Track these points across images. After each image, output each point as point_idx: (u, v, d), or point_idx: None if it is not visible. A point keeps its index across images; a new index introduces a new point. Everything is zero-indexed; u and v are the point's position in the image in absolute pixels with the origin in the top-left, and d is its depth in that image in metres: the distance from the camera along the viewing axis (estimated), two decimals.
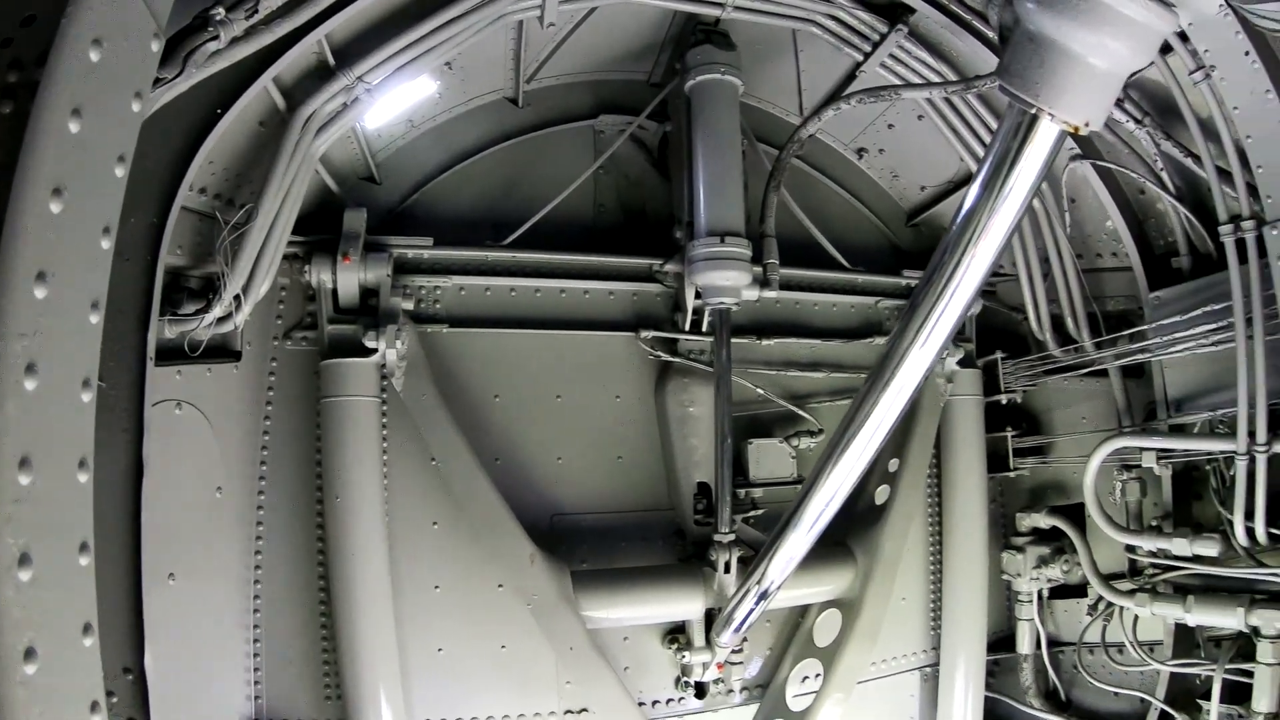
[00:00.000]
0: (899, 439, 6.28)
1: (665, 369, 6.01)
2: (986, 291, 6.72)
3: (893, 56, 5.60)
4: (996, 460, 6.78)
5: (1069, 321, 6.16)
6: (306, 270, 5.13)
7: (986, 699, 6.67)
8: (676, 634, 5.73)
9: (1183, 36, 4.55)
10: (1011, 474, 6.78)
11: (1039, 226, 6.07)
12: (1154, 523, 5.71)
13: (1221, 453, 5.13)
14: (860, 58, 5.67)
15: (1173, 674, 5.75)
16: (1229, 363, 4.97)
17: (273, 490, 5.20)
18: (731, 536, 5.53)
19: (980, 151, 5.89)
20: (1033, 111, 3.06)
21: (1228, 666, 5.22)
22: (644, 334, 5.91)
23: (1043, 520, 6.48)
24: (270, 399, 5.26)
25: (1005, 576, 6.70)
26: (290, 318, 5.37)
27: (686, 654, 5.62)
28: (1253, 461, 4.83)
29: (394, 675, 5.03)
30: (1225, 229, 4.90)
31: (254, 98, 4.00)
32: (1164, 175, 5.38)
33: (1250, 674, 5.08)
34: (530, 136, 6.06)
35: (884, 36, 5.47)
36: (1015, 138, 3.17)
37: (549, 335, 5.79)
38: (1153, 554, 5.58)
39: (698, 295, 5.67)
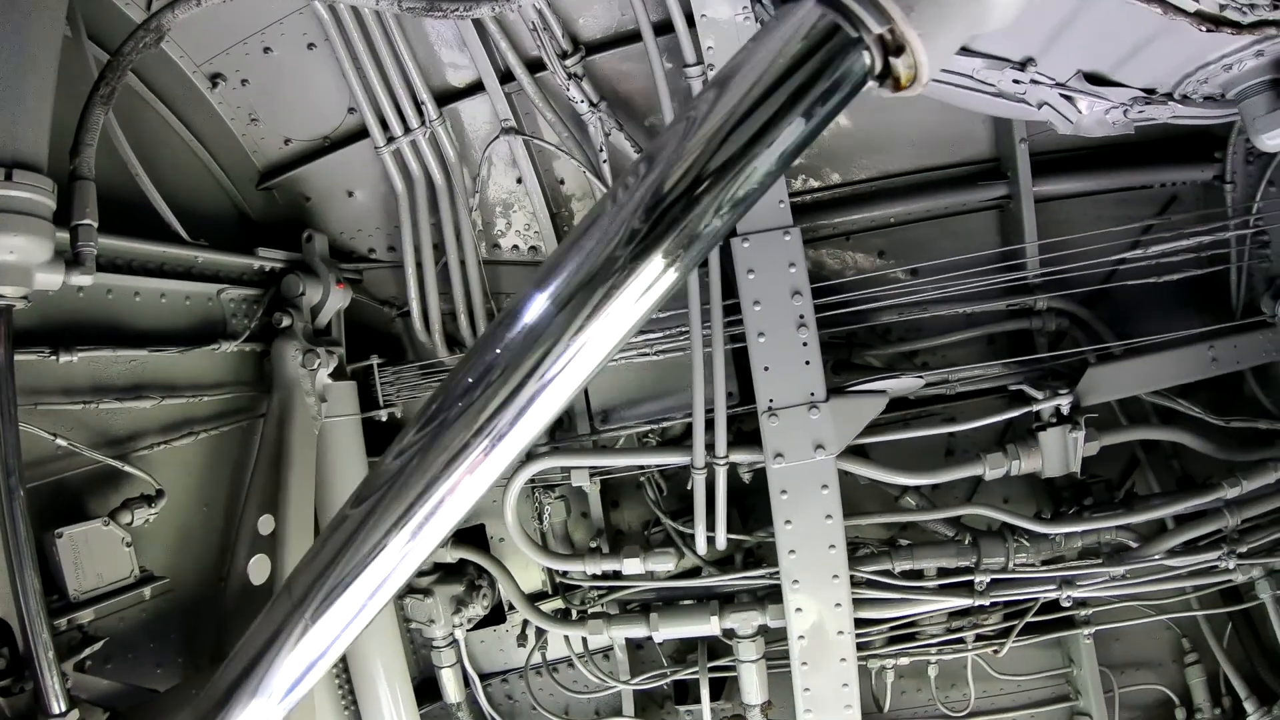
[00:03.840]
0: (268, 494, 4.48)
1: None
2: (352, 280, 5.32)
3: None
4: None
5: (463, 319, 5.25)
6: None
7: None
8: None
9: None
10: None
11: (437, 202, 5.04)
12: (594, 544, 5.31)
13: (673, 466, 4.92)
14: None
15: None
16: (662, 371, 4.82)
17: None
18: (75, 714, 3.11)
19: (389, 109, 4.68)
20: (884, 32, 1.67)
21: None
22: None
23: (448, 554, 5.42)
24: None
25: (415, 625, 5.51)
26: None
27: None
28: (711, 473, 4.74)
29: None
30: None
31: None
32: (605, 168, 4.85)
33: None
34: None
35: None
36: (808, 69, 1.72)
37: None
38: (595, 576, 5.16)
39: None
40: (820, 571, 4.64)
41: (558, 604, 5.39)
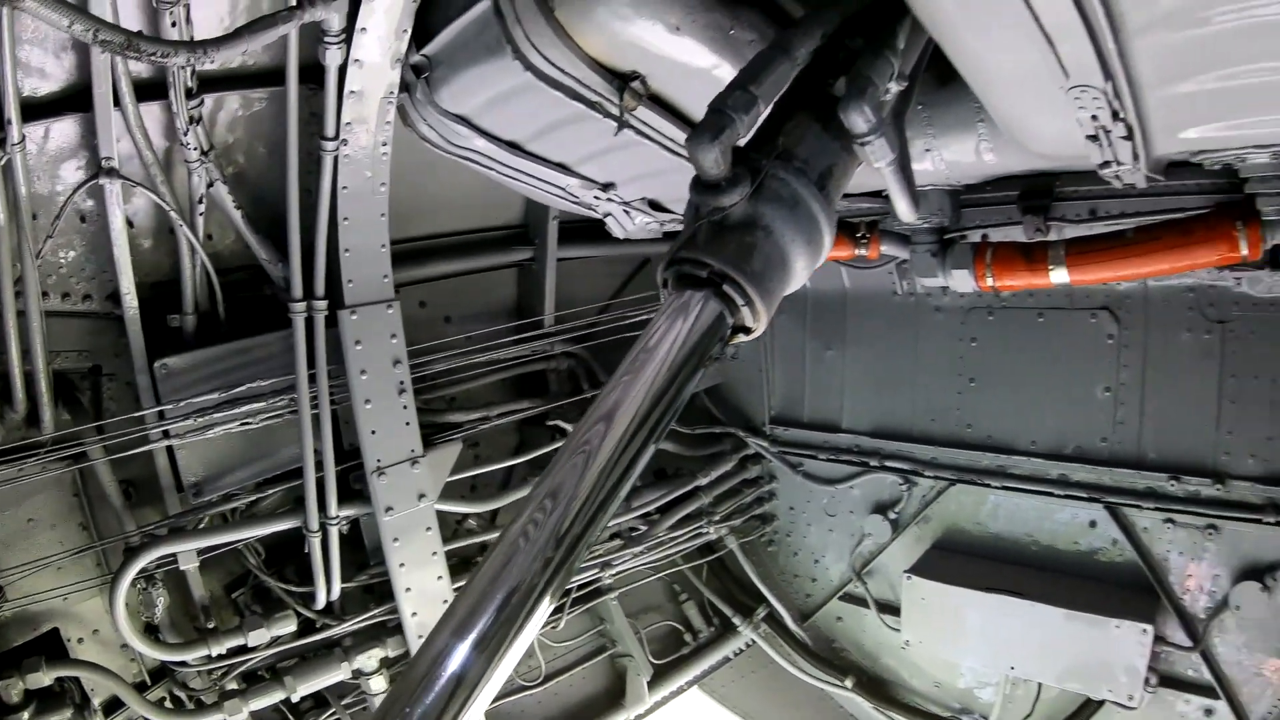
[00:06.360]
0: None
1: None
2: None
3: None
4: None
5: (18, 389, 4.33)
6: None
7: None
8: None
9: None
10: None
11: None
12: (211, 624, 5.07)
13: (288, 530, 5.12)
14: None
15: None
16: (253, 437, 4.96)
17: None
18: None
19: None
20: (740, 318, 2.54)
21: None
22: None
23: (44, 677, 4.43)
24: None
25: None
26: None
27: None
28: (326, 533, 5.10)
29: None
30: (298, 306, 4.76)
31: None
32: (200, 221, 4.60)
33: None
34: None
35: None
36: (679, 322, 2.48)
37: None
38: (220, 656, 4.97)
39: None
40: (434, 600, 5.41)
41: (160, 693, 5.05)
